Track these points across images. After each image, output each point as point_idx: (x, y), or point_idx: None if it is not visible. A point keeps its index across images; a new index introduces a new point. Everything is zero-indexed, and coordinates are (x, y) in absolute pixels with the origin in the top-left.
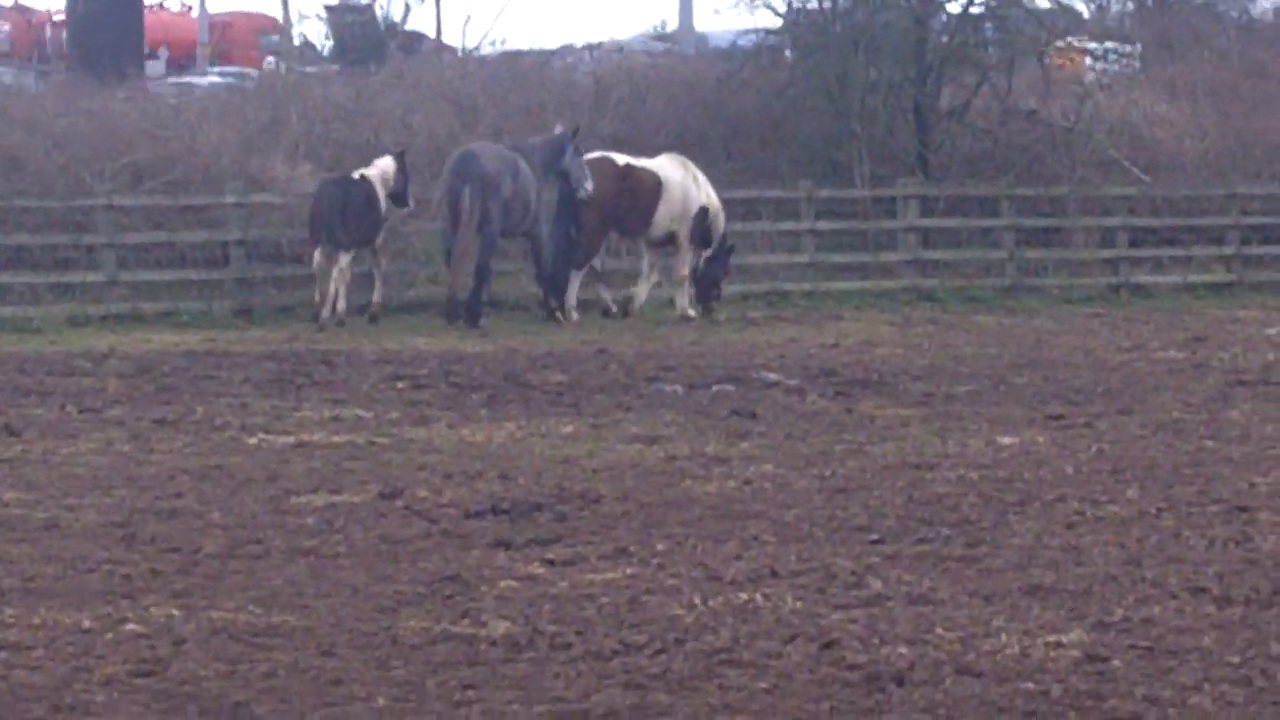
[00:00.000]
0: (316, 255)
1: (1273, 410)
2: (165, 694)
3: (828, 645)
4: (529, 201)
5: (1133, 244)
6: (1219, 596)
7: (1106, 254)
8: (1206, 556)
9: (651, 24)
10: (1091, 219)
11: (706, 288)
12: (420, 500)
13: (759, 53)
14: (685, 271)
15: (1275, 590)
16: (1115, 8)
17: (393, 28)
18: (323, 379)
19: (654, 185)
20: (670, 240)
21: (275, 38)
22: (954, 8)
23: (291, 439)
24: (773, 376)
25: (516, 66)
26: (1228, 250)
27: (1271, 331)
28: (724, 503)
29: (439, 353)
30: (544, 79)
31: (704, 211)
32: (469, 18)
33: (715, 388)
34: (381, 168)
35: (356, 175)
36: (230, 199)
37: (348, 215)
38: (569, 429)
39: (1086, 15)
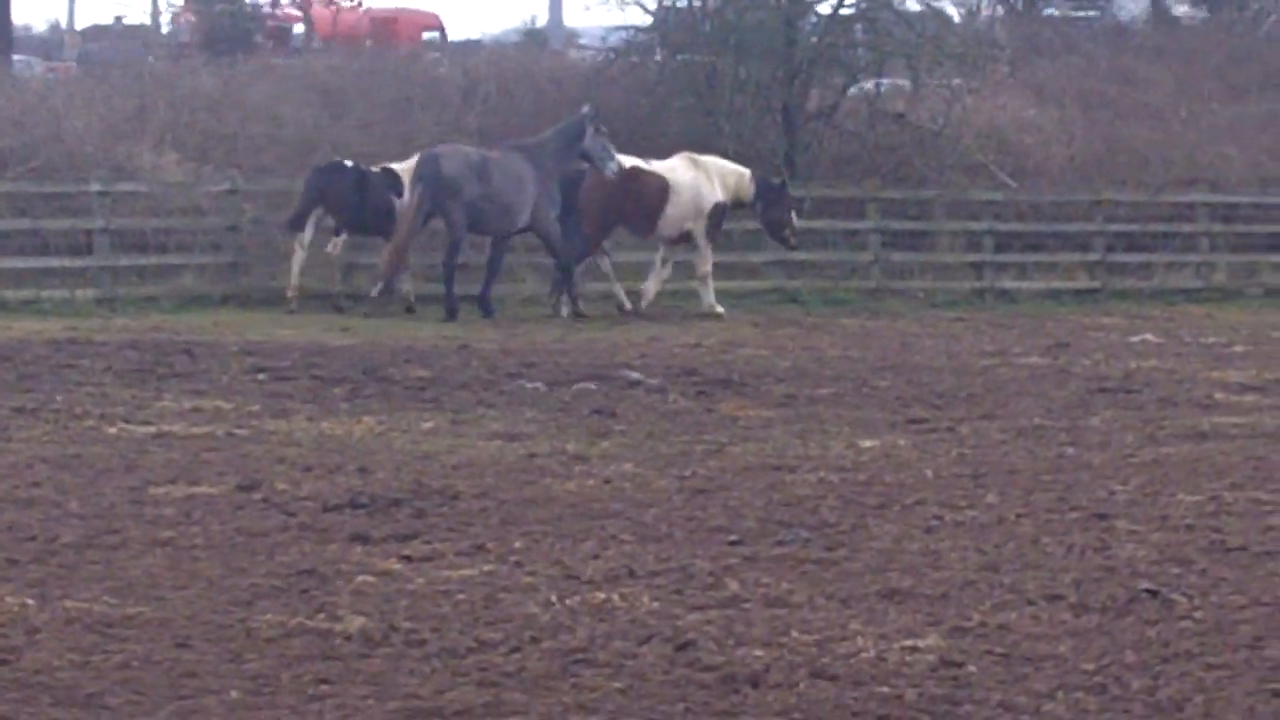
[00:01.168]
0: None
1: (1133, 418)
2: (18, 683)
3: (683, 646)
4: (510, 203)
5: (998, 249)
6: (1076, 604)
7: (972, 258)
8: (1064, 563)
9: (522, 19)
10: (957, 223)
11: (778, 230)
12: (279, 493)
13: (628, 50)
14: (707, 269)
15: (1132, 598)
16: (985, 12)
17: (261, 18)
18: (184, 369)
19: (660, 188)
20: (687, 238)
21: (437, 34)
22: (824, 9)
23: (151, 429)
24: (635, 375)
25: (385, 59)
26: (1093, 257)
27: (1134, 339)
28: (583, 501)
29: (301, 345)
30: (412, 72)
31: (720, 207)
32: (338, 10)
33: (577, 386)
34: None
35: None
36: (95, 187)
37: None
38: (429, 424)
39: (957, 19)
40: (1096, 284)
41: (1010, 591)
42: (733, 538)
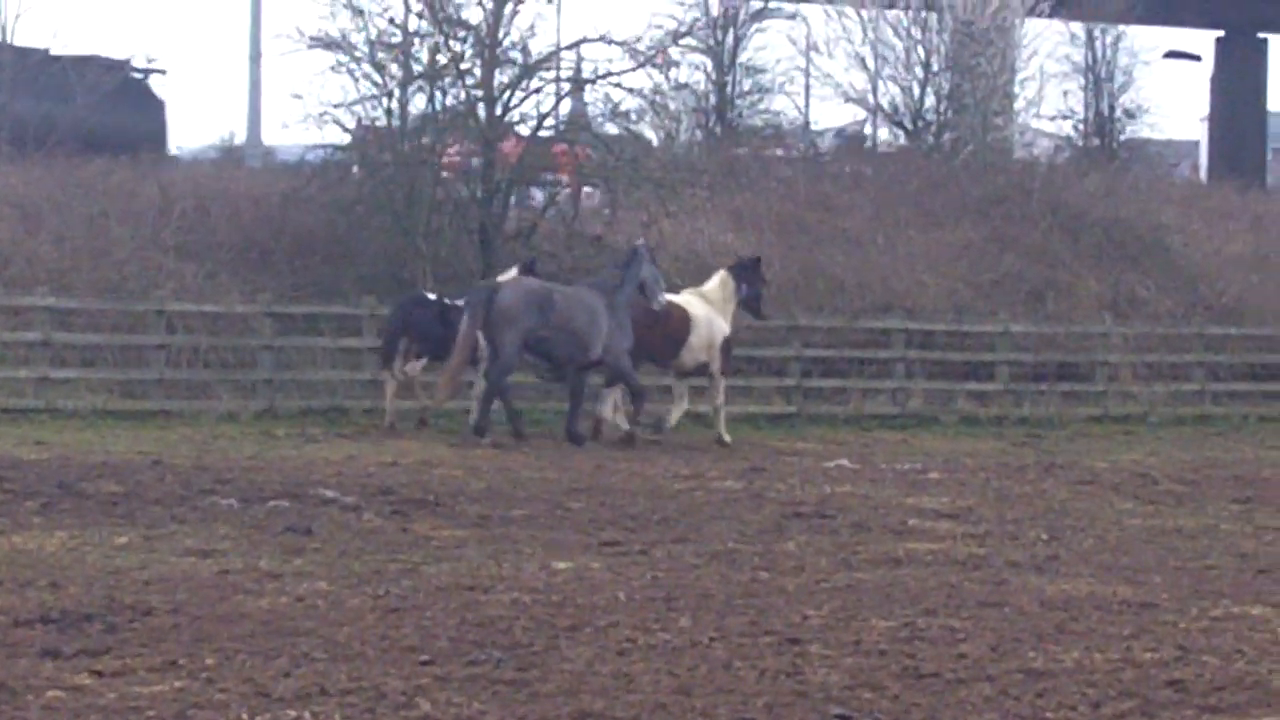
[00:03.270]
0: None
1: (827, 543)
2: None
3: None
4: (579, 333)
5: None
6: None
7: (666, 382)
8: (756, 688)
9: (219, 135)
10: None
11: (757, 305)
12: None
13: (326, 168)
14: (720, 400)
15: None
16: (683, 137)
17: None
18: None
19: (683, 319)
20: (701, 370)
21: None
22: (523, 130)
23: None
24: (330, 493)
25: (81, 172)
26: (789, 382)
27: (830, 464)
28: (276, 619)
29: None
30: (109, 186)
31: (728, 342)
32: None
33: (271, 503)
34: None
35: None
36: None
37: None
38: (122, 539)
39: (655, 143)
40: (793, 409)
41: (702, 715)
42: (425, 657)
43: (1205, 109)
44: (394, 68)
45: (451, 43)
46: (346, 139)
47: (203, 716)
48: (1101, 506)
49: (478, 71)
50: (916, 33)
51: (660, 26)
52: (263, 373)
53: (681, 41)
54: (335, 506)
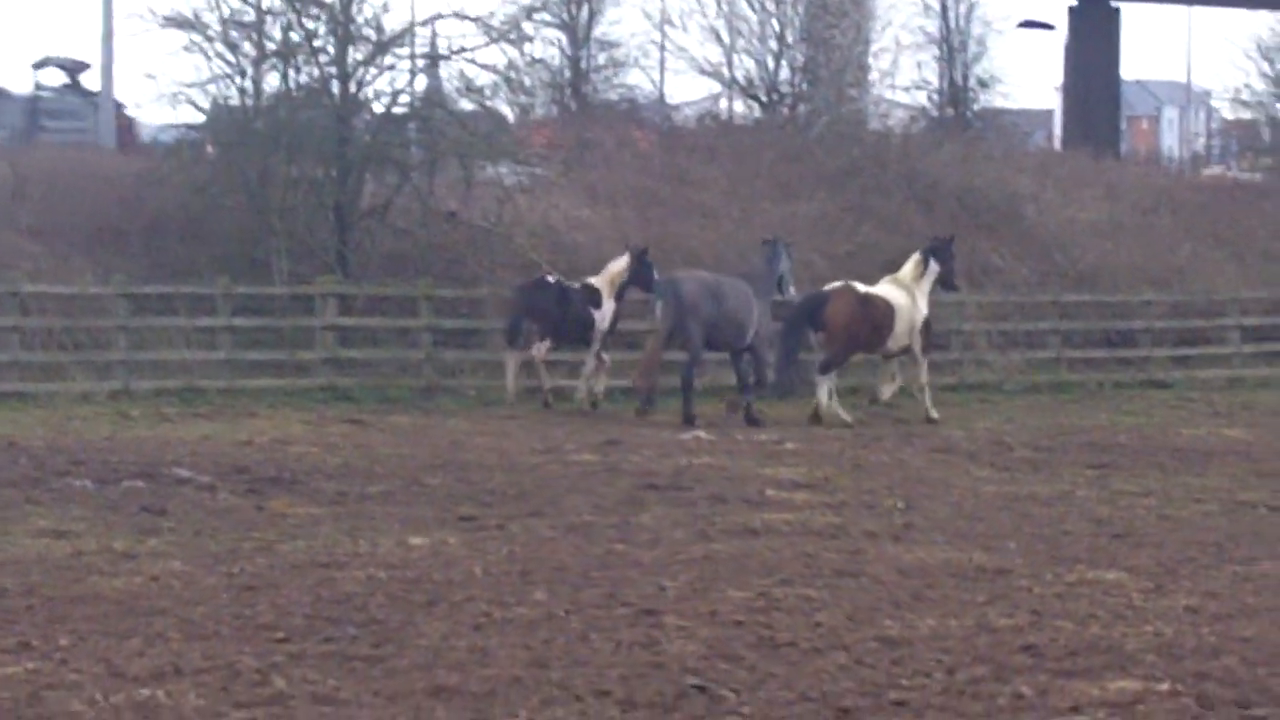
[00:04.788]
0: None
1: (683, 514)
2: None
3: None
4: (741, 321)
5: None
6: (623, 700)
7: (524, 355)
8: (612, 660)
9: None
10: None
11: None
12: None
13: (180, 148)
14: (925, 379)
15: (680, 694)
16: (539, 112)
17: None
18: None
19: (887, 310)
20: (906, 353)
21: None
22: (378, 107)
23: None
24: (184, 473)
25: None
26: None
27: (686, 436)
28: (130, 599)
29: None
30: None
31: (928, 323)
32: None
33: (126, 483)
34: (610, 271)
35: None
36: None
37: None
38: None
39: (510, 118)
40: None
41: (558, 688)
42: (280, 635)
43: (1059, 78)
44: (247, 46)
45: (305, 20)
46: (201, 118)
47: (55, 697)
48: (958, 474)
49: (331, 49)
50: (771, 5)
51: (515, 2)
52: (117, 353)
53: (536, 16)
54: (190, 486)
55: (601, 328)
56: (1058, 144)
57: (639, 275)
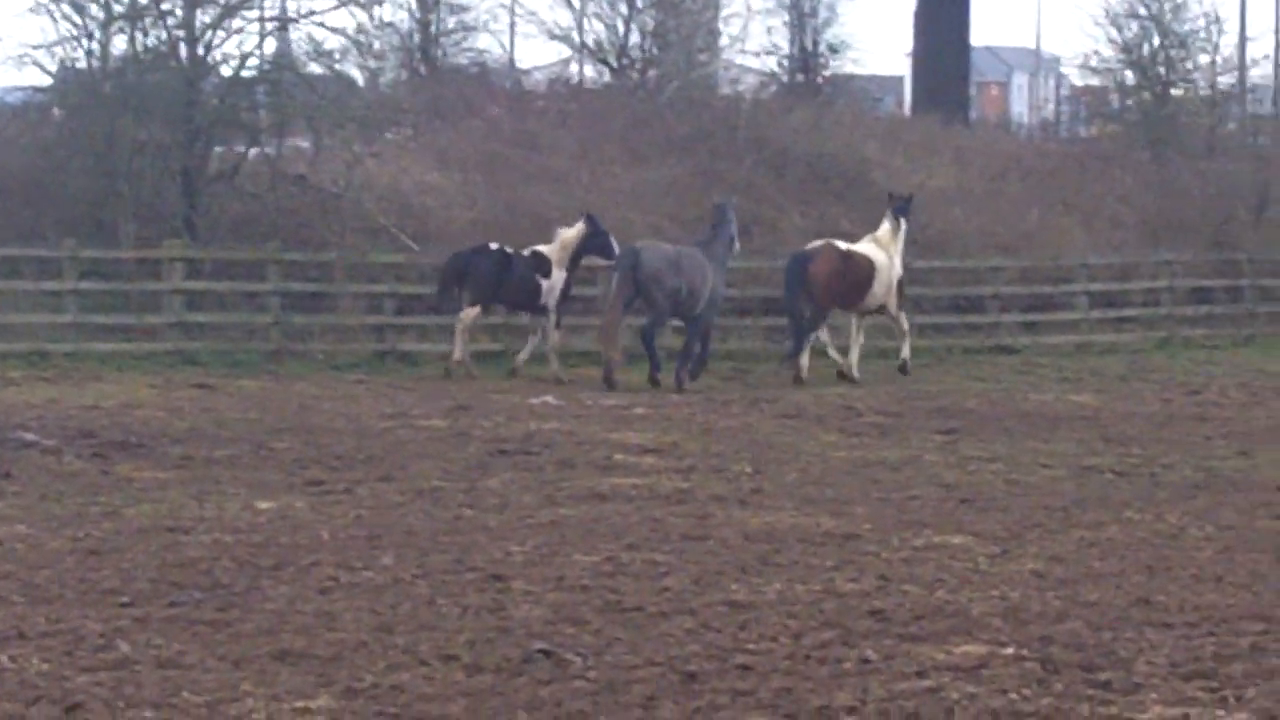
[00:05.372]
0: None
1: (532, 480)
2: None
3: (72, 708)
4: (697, 291)
5: (400, 311)
6: (470, 664)
7: (373, 320)
8: (459, 624)
9: None
10: (359, 285)
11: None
12: None
13: (26, 110)
14: (906, 327)
15: (526, 658)
16: (389, 75)
17: None
18: None
19: (869, 266)
20: (881, 310)
21: None
22: (226, 71)
23: None
24: (30, 437)
25: None
26: (494, 319)
27: (535, 401)
28: None
29: None
30: None
31: (900, 282)
32: None
33: None
34: (562, 238)
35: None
36: None
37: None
38: None
39: (360, 82)
40: (499, 346)
41: (404, 652)
42: (125, 599)
43: (909, 44)
44: (94, 8)
45: None
46: (47, 80)
47: None
48: (806, 439)
49: (179, 12)
50: None
51: None
52: None
53: None
54: (35, 450)
55: (552, 296)
56: (908, 110)
57: (596, 243)
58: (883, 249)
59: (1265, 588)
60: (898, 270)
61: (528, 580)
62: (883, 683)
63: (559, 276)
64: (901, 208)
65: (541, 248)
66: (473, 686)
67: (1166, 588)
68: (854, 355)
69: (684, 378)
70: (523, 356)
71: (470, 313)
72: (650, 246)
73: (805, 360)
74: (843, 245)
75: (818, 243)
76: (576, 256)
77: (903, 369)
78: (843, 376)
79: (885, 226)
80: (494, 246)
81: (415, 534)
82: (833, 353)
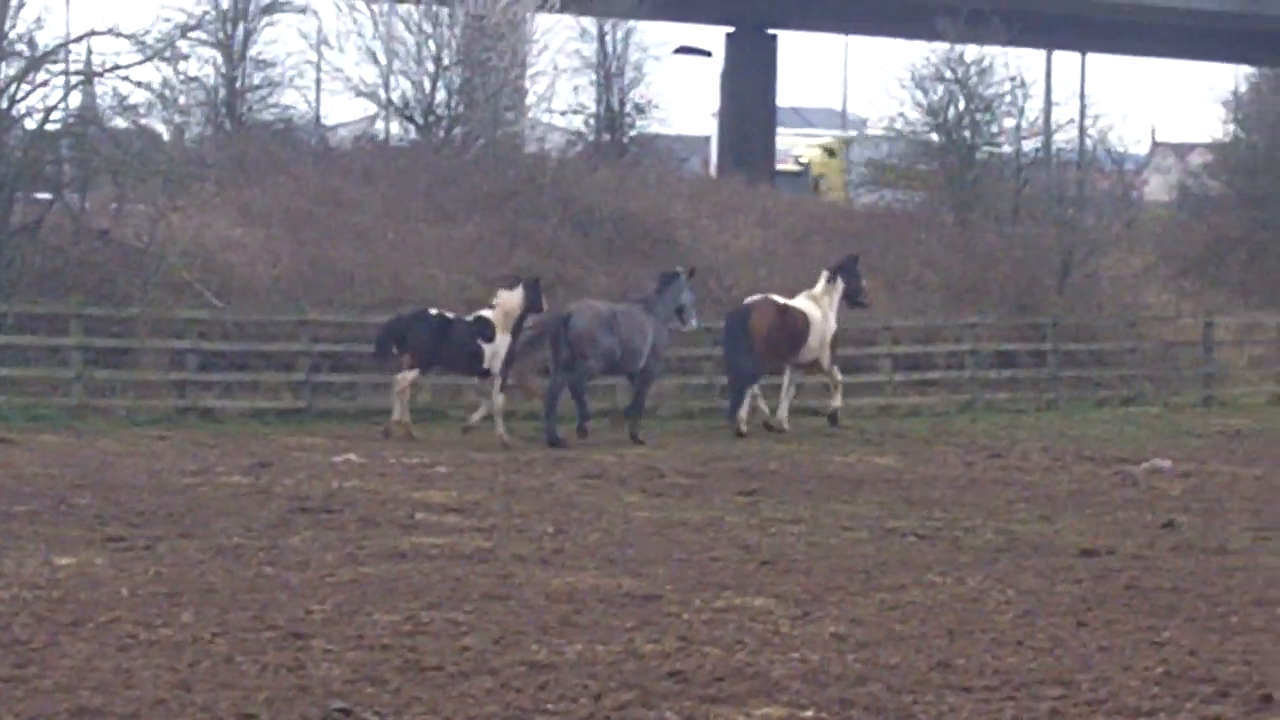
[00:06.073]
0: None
1: (334, 538)
2: None
3: None
4: (637, 348)
5: (202, 367)
6: None
7: (175, 376)
8: (258, 682)
9: None
10: (161, 341)
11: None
12: None
13: None
14: (839, 379)
15: (324, 718)
16: (195, 130)
17: None
18: None
19: (804, 321)
20: (815, 365)
21: None
22: (30, 124)
23: None
24: None
25: None
26: (298, 376)
27: (338, 459)
28: None
29: None
30: None
31: (835, 338)
32: None
33: None
34: (505, 303)
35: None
36: None
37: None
38: None
39: (166, 137)
40: (302, 404)
41: (202, 710)
42: None
43: (716, 104)
44: None
45: None
46: None
47: None
48: (608, 499)
49: None
50: (428, 27)
51: (169, 20)
52: None
53: (191, 34)
54: None
55: (496, 361)
56: (714, 170)
57: (535, 304)
58: (817, 305)
59: (1065, 652)
60: (832, 325)
61: (328, 639)
62: None
63: (502, 341)
64: (840, 266)
65: (485, 312)
66: None
67: (967, 651)
68: (783, 409)
69: (637, 431)
70: (475, 417)
71: (408, 375)
72: (582, 308)
73: (745, 413)
74: (780, 300)
75: (755, 297)
76: (519, 321)
77: (833, 419)
78: (769, 428)
79: (820, 284)
80: (433, 312)
81: (215, 591)
82: (761, 404)
